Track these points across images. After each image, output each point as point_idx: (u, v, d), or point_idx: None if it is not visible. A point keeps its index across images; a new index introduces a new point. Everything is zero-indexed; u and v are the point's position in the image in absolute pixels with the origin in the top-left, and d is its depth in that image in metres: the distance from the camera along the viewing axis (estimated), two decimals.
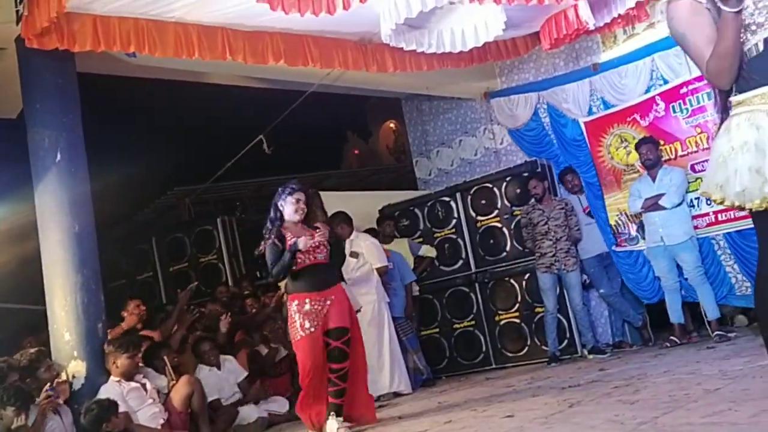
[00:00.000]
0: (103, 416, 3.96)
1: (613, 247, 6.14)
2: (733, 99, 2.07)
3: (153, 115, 8.37)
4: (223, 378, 5.25)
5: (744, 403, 2.78)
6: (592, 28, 5.56)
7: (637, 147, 5.66)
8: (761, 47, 2.00)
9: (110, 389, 4.28)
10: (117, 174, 6.84)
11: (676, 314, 5.52)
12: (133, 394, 4.34)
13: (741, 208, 2.06)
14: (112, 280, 7.36)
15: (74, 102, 4.78)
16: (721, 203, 2.07)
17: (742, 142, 1.98)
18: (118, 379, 4.36)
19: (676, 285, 5.50)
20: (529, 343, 6.41)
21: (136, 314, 5.47)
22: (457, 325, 6.80)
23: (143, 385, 4.45)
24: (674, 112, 5.75)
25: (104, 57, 4.91)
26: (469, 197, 6.84)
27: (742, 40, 1.99)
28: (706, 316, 5.41)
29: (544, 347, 6.20)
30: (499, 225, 6.65)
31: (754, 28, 2.02)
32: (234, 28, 4.91)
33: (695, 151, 5.66)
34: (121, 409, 4.12)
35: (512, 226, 6.54)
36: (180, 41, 4.66)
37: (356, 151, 14.95)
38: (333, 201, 6.24)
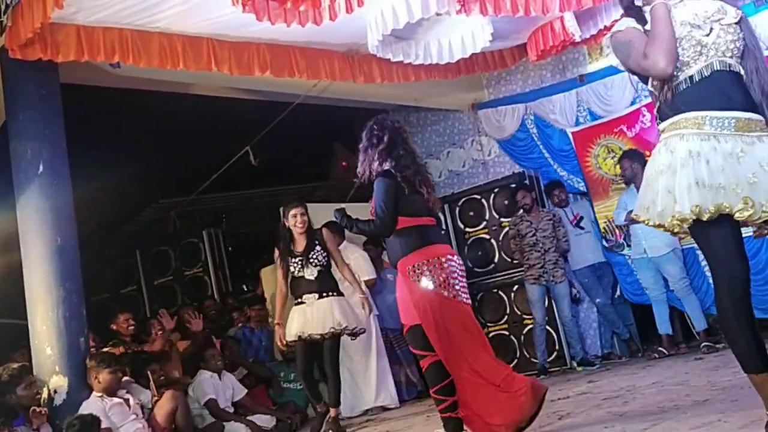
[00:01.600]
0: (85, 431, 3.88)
1: (605, 246, 6.17)
2: (659, 127, 2.29)
3: (138, 126, 8.28)
4: (220, 388, 5.21)
5: (733, 414, 2.76)
6: (578, 39, 5.60)
7: (620, 160, 5.69)
8: (688, 83, 2.25)
9: (92, 405, 4.20)
10: (101, 186, 6.75)
11: (664, 325, 5.52)
12: (115, 410, 4.26)
13: (661, 227, 2.26)
14: (96, 293, 7.25)
15: (57, 113, 4.71)
16: (647, 224, 2.28)
17: (661, 166, 2.20)
18: (100, 394, 4.27)
19: (663, 296, 5.51)
20: (518, 355, 6.38)
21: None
22: None
23: (126, 401, 4.37)
24: None
25: (88, 67, 4.86)
26: (457, 209, 6.83)
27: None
28: (693, 327, 5.42)
29: (533, 359, 6.17)
30: (488, 236, 6.64)
31: (679, 65, 2.25)
32: (219, 39, 4.88)
33: None
34: (104, 425, 4.04)
35: (500, 238, 6.53)
36: (165, 52, 4.62)
37: (344, 163, 14.90)
38: (321, 213, 6.20)
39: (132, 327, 5.40)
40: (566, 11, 5.20)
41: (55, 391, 4.26)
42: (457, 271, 3.30)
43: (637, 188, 5.40)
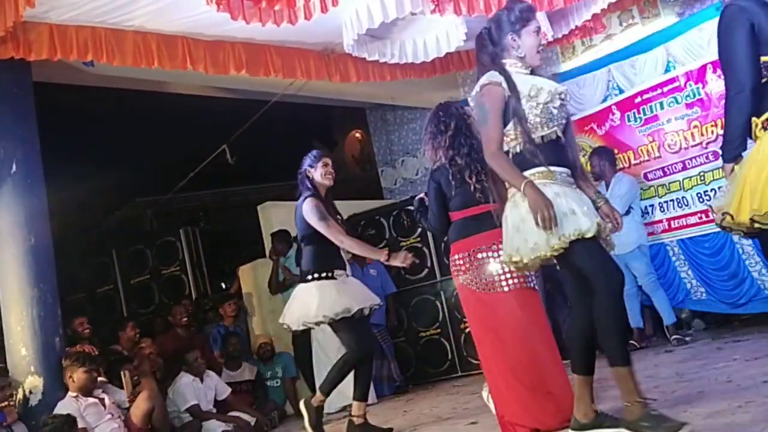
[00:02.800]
0: (59, 431, 3.87)
1: None
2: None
3: (113, 124, 8.23)
4: (202, 391, 5.20)
5: (699, 404, 2.84)
6: (550, 39, 5.68)
7: (589, 157, 5.77)
8: (539, 142, 2.63)
9: (67, 405, 4.18)
10: (75, 185, 6.71)
11: (634, 319, 5.62)
12: (90, 410, 4.24)
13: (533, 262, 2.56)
14: (71, 293, 7.20)
15: (30, 112, 4.69)
16: (518, 263, 2.59)
17: (524, 212, 2.54)
18: (75, 394, 4.26)
19: (633, 290, 5.60)
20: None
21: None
22: (423, 334, 6.82)
23: (101, 400, 4.36)
24: (629, 121, 5.88)
25: (61, 66, 4.84)
26: None
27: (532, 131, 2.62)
28: (663, 321, 5.53)
29: None
30: None
31: (532, 127, 2.64)
32: (195, 38, 4.88)
33: (647, 160, 5.79)
34: (79, 425, 4.02)
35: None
36: (139, 50, 4.61)
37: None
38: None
39: (87, 330, 5.36)
40: (539, 11, 5.27)
41: (31, 392, 4.25)
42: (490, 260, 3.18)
43: (607, 185, 5.54)
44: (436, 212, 3.41)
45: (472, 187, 3.28)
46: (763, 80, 2.36)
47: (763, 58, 2.29)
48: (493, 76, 2.68)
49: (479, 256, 3.19)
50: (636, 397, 2.52)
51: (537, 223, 2.43)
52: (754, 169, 2.33)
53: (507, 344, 3.13)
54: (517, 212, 2.58)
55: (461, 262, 3.24)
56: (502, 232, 2.71)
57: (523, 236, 2.54)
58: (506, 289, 3.15)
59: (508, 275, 3.14)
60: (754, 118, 2.41)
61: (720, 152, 5.28)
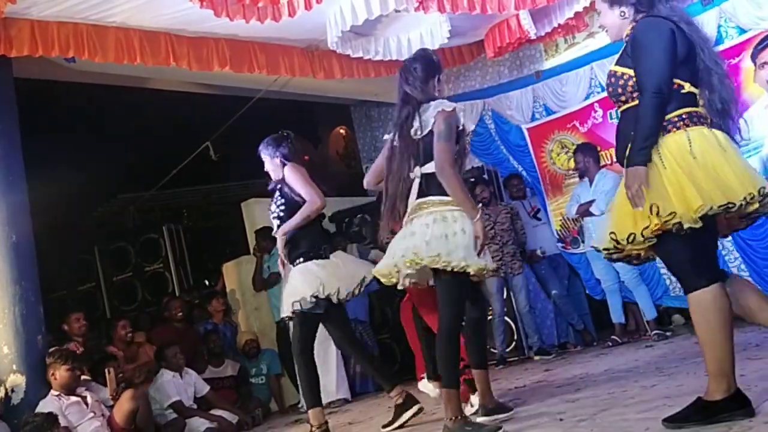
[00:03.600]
0: (41, 430, 3.84)
1: (561, 246, 6.32)
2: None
3: (95, 121, 8.15)
4: (182, 387, 5.19)
5: (677, 398, 2.88)
6: (533, 37, 5.72)
7: (574, 154, 5.82)
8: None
9: (49, 403, 4.16)
10: (57, 182, 6.64)
11: (616, 314, 5.69)
12: (72, 408, 4.22)
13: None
14: (53, 291, 7.14)
15: (11, 107, 4.64)
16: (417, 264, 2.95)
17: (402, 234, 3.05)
18: (57, 392, 4.23)
19: (615, 286, 5.67)
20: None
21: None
22: None
23: (84, 399, 4.33)
24: (611, 118, 5.95)
25: (43, 62, 4.79)
26: None
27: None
28: (644, 316, 5.60)
29: (492, 349, 6.29)
30: None
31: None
32: (178, 34, 4.86)
33: None
34: (61, 423, 4.00)
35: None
36: (121, 46, 4.58)
37: (306, 158, 14.87)
38: None
39: (83, 327, 5.31)
40: (522, 9, 5.32)
41: (13, 390, 4.22)
42: None
43: (591, 181, 5.60)
44: None
45: None
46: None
47: (676, 81, 2.36)
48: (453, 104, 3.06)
49: None
50: (459, 414, 2.98)
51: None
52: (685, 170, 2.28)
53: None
54: (444, 225, 2.97)
55: None
56: None
57: (445, 246, 2.91)
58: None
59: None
60: None
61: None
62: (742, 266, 5.36)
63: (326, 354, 5.68)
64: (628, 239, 2.33)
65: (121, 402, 4.48)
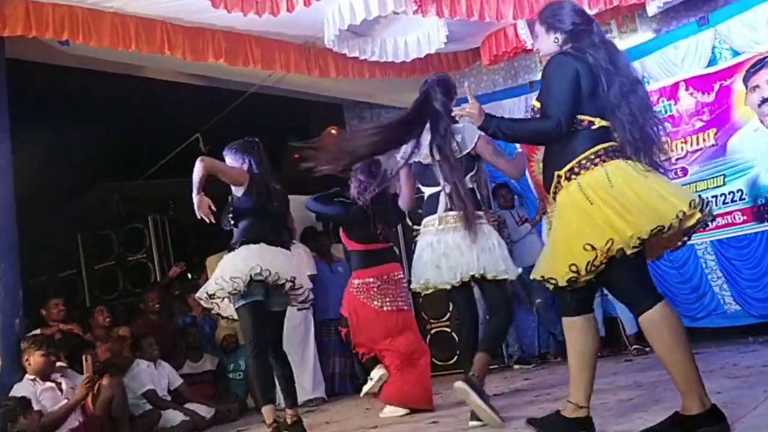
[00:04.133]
0: (10, 415, 3.79)
1: None
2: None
3: (85, 106, 8.07)
4: (156, 378, 5.16)
5: (654, 412, 2.90)
6: (529, 47, 5.74)
7: None
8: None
9: (24, 387, 4.12)
10: (43, 165, 6.57)
11: None
12: (47, 394, 4.18)
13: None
14: (32, 276, 7.05)
15: (0, 88, 4.58)
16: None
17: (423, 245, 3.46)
18: (33, 377, 4.18)
19: (597, 300, 5.68)
20: (458, 352, 6.50)
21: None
22: None
23: (59, 385, 4.28)
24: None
25: (36, 43, 4.74)
26: None
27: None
28: (624, 331, 5.63)
29: None
30: None
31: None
32: (174, 23, 4.83)
33: None
34: (35, 408, 3.95)
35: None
36: (117, 32, 4.55)
37: (296, 156, 14.83)
38: None
39: (62, 312, 5.26)
40: (519, 19, 5.34)
41: None
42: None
43: None
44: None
45: (374, 227, 4.28)
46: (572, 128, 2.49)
47: (580, 116, 2.47)
48: None
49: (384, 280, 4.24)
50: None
51: None
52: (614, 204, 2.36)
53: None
54: (484, 239, 3.41)
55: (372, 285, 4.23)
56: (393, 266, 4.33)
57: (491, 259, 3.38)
58: (386, 308, 4.22)
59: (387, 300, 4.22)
60: (556, 172, 2.51)
61: (687, 168, 5.46)
62: (725, 286, 5.41)
63: (304, 353, 5.66)
64: (586, 268, 2.37)
65: (98, 390, 4.45)
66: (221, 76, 6.34)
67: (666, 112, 5.57)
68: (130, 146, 8.59)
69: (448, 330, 6.58)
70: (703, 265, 5.49)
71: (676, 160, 5.51)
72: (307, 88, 7.03)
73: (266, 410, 3.54)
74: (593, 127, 2.47)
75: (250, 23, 4.79)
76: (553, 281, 2.47)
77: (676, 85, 5.53)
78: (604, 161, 2.42)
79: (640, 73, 5.84)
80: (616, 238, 2.30)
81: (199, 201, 3.63)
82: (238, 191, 3.84)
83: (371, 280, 4.21)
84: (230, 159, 3.96)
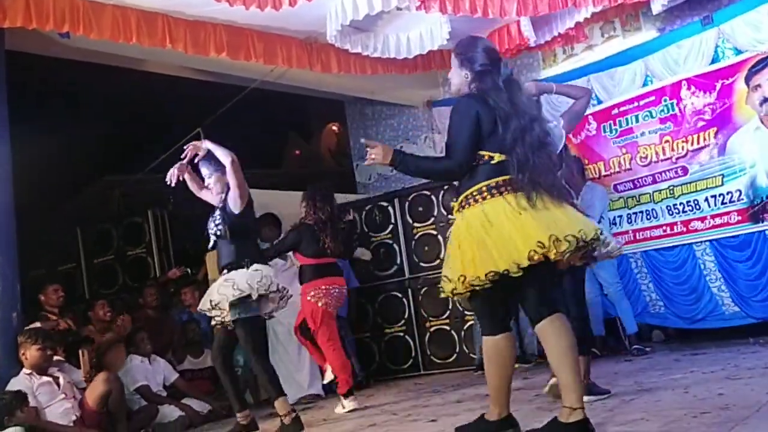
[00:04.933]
0: (7, 409, 3.77)
1: None
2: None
3: (86, 100, 8.05)
4: (151, 373, 5.14)
5: (656, 413, 2.89)
6: (533, 44, 5.72)
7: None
8: None
9: (20, 381, 4.10)
10: (43, 159, 6.54)
11: (596, 327, 5.68)
12: (43, 389, 4.15)
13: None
14: (31, 269, 7.03)
15: (0, 80, 4.55)
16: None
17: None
18: (29, 371, 4.16)
19: (597, 299, 5.66)
20: (457, 350, 6.48)
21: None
22: (388, 330, 6.82)
23: (56, 379, 4.26)
24: (604, 131, 5.96)
25: (36, 36, 4.70)
26: (407, 203, 6.89)
27: None
28: (624, 331, 5.61)
29: (472, 355, 6.28)
30: (435, 232, 6.72)
31: None
32: (176, 16, 4.80)
33: (618, 172, 5.86)
34: (31, 403, 3.93)
35: (447, 234, 6.58)
36: (117, 24, 4.51)
37: (297, 152, 14.81)
38: (271, 200, 6.17)
39: (61, 299, 5.24)
40: (523, 15, 5.31)
41: None
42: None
43: (577, 195, 5.58)
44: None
45: (324, 243, 4.79)
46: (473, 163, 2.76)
47: (481, 152, 2.73)
48: None
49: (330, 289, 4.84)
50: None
51: None
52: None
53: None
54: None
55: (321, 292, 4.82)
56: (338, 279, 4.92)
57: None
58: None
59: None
60: (452, 202, 2.88)
61: (687, 167, 5.44)
62: (723, 287, 5.39)
63: (300, 350, 5.64)
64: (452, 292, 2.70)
65: (94, 384, 4.43)
66: (222, 71, 6.31)
67: (668, 111, 5.56)
68: (131, 141, 8.57)
69: (447, 328, 6.56)
70: (702, 266, 5.47)
71: (677, 159, 5.49)
72: (308, 84, 7.00)
73: (281, 402, 3.93)
74: (492, 162, 2.73)
75: (252, 17, 4.75)
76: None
77: (678, 85, 5.51)
78: (485, 199, 2.70)
79: (644, 71, 5.83)
80: (469, 276, 2.60)
81: (180, 167, 4.11)
82: (235, 207, 4.05)
83: (324, 287, 4.82)
84: (207, 170, 4.19)
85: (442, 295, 2.84)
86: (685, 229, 5.45)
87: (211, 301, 3.96)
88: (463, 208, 2.76)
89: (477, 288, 2.63)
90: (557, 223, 2.63)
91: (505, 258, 2.57)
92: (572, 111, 3.74)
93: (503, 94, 2.76)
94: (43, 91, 6.98)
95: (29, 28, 4.27)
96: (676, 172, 5.50)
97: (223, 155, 4.01)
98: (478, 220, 2.68)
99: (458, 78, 2.92)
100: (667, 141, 5.55)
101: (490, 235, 2.63)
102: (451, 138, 2.77)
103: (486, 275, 2.57)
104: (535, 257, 2.54)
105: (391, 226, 6.91)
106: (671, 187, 5.53)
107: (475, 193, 2.73)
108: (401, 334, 6.76)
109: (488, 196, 2.70)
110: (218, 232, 4.06)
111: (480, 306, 2.78)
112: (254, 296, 3.88)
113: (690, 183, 5.41)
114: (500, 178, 2.71)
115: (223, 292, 3.92)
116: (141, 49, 4.96)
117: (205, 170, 4.20)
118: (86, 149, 8.05)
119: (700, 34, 5.47)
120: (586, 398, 3.19)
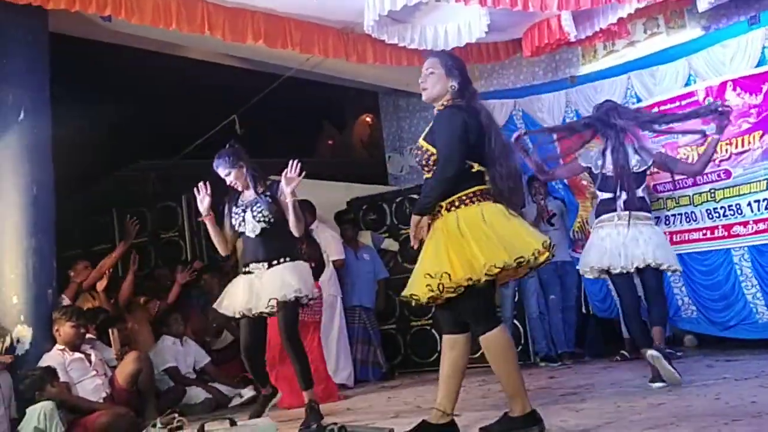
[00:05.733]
0: (38, 383, 3.86)
1: (570, 251, 6.20)
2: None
3: (124, 84, 8.16)
4: (181, 355, 5.21)
5: (686, 419, 2.83)
6: (573, 39, 5.62)
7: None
8: None
9: (52, 357, 4.19)
10: (81, 140, 6.65)
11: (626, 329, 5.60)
12: (75, 365, 4.24)
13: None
14: (67, 248, 7.17)
15: (43, 61, 4.65)
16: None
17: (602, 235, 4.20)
18: (62, 347, 4.26)
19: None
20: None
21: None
22: (414, 323, 6.81)
23: (88, 356, 4.35)
24: (643, 131, 5.82)
25: (78, 18, 4.79)
26: None
27: None
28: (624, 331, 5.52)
29: None
30: None
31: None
32: (215, 3, 4.84)
33: (657, 172, 5.72)
34: (62, 379, 4.02)
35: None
36: (158, 10, 4.57)
37: (330, 141, 14.85)
38: (302, 188, 6.17)
39: (88, 272, 5.32)
40: (564, 9, 5.22)
41: (18, 341, 4.24)
42: None
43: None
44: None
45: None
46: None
47: (468, 162, 2.86)
48: None
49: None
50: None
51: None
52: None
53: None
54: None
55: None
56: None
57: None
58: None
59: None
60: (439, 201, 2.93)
61: (730, 170, 5.29)
62: (758, 294, 5.24)
63: (327, 341, 5.66)
64: (439, 289, 2.76)
65: (125, 363, 4.52)
66: (259, 59, 6.34)
67: None
68: (167, 125, 8.67)
69: (428, 328, 6.53)
70: (738, 272, 5.33)
71: (720, 161, 5.34)
72: (344, 73, 7.00)
73: (309, 393, 3.92)
74: (473, 170, 2.89)
75: (291, 6, 4.78)
76: (416, 297, 2.86)
77: (723, 85, 5.35)
78: (480, 200, 2.86)
79: (687, 71, 5.69)
80: (474, 275, 2.70)
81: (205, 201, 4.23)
82: (296, 233, 4.08)
83: None
84: (224, 169, 4.16)
85: (421, 301, 2.89)
86: (726, 234, 5.30)
87: (285, 294, 3.83)
88: (457, 208, 2.85)
89: (476, 285, 2.72)
90: (533, 235, 2.89)
91: (518, 249, 2.75)
92: (677, 162, 4.69)
93: (484, 109, 2.96)
94: (82, 74, 7.09)
95: (72, 11, 4.34)
96: (719, 175, 5.35)
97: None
98: (477, 218, 2.81)
99: (442, 86, 3.02)
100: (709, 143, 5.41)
101: (494, 230, 2.77)
102: (448, 148, 2.86)
103: (510, 260, 2.71)
104: (541, 258, 2.81)
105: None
106: (712, 190, 5.39)
107: (470, 195, 2.87)
108: (428, 327, 6.74)
109: (482, 200, 2.87)
110: (270, 219, 3.98)
111: (478, 303, 2.83)
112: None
113: (733, 187, 5.27)
114: (484, 186, 2.90)
115: (293, 283, 3.85)
116: (180, 35, 5.01)
117: (221, 170, 4.10)
118: (123, 132, 8.16)
119: (746, 34, 5.30)
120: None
